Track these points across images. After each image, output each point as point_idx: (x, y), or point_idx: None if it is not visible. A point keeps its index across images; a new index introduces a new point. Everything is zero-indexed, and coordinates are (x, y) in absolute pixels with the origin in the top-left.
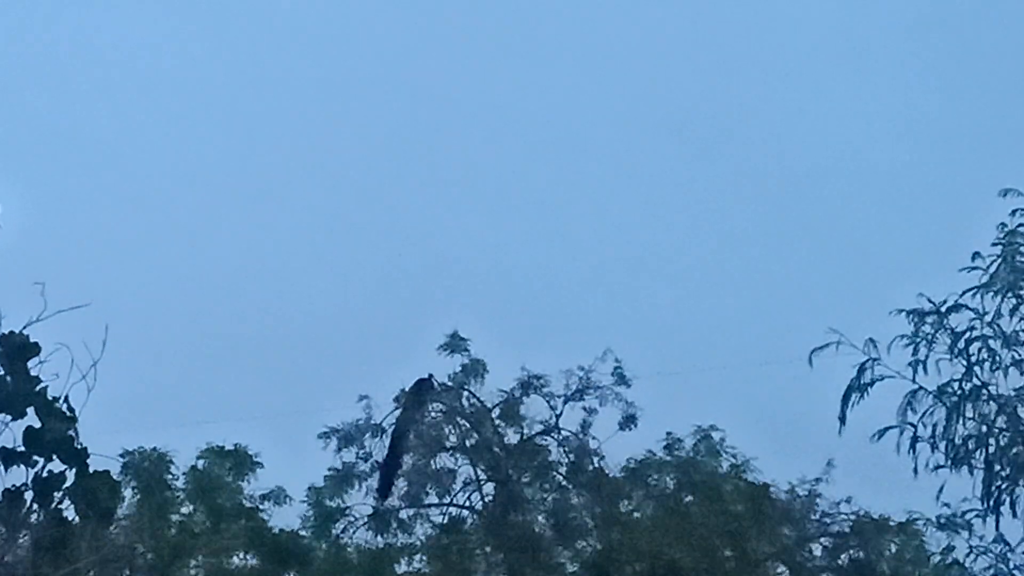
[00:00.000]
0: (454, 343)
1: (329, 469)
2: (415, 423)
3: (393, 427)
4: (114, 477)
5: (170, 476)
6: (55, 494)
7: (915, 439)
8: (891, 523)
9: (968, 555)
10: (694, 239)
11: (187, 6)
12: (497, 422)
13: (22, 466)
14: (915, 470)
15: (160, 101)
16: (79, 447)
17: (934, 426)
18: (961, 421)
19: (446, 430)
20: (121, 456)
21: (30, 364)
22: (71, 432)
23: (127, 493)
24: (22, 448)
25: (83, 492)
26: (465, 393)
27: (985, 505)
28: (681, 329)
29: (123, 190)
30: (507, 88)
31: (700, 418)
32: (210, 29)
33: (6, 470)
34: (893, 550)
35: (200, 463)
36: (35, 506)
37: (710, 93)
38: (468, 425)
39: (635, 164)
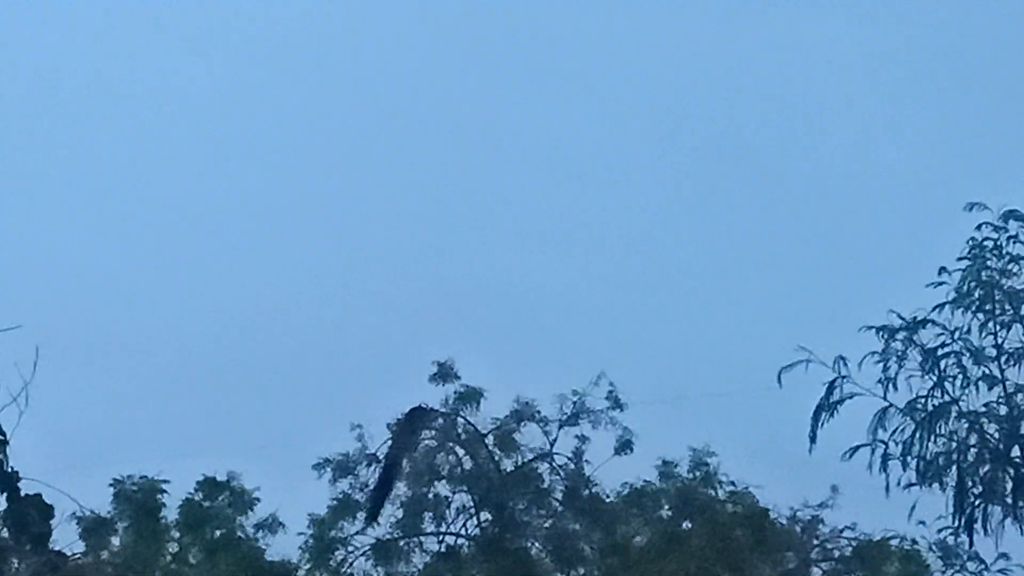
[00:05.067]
0: (444, 372)
1: (332, 499)
2: (408, 450)
3: (386, 454)
4: (49, 503)
5: (163, 506)
6: None
7: (886, 457)
8: (892, 547)
9: (944, 574)
10: (683, 264)
11: (187, 30)
12: (492, 448)
13: None
14: (887, 488)
15: (144, 117)
16: (9, 470)
17: (904, 443)
18: (932, 438)
19: (440, 457)
20: (111, 485)
21: None
22: (1, 456)
23: (119, 524)
24: None
25: (15, 516)
26: (460, 420)
27: (957, 523)
28: (664, 354)
29: (110, 212)
30: (508, 105)
31: (694, 442)
32: (199, 47)
33: None
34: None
35: (196, 495)
36: None
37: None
38: (463, 452)
39: (625, 196)
